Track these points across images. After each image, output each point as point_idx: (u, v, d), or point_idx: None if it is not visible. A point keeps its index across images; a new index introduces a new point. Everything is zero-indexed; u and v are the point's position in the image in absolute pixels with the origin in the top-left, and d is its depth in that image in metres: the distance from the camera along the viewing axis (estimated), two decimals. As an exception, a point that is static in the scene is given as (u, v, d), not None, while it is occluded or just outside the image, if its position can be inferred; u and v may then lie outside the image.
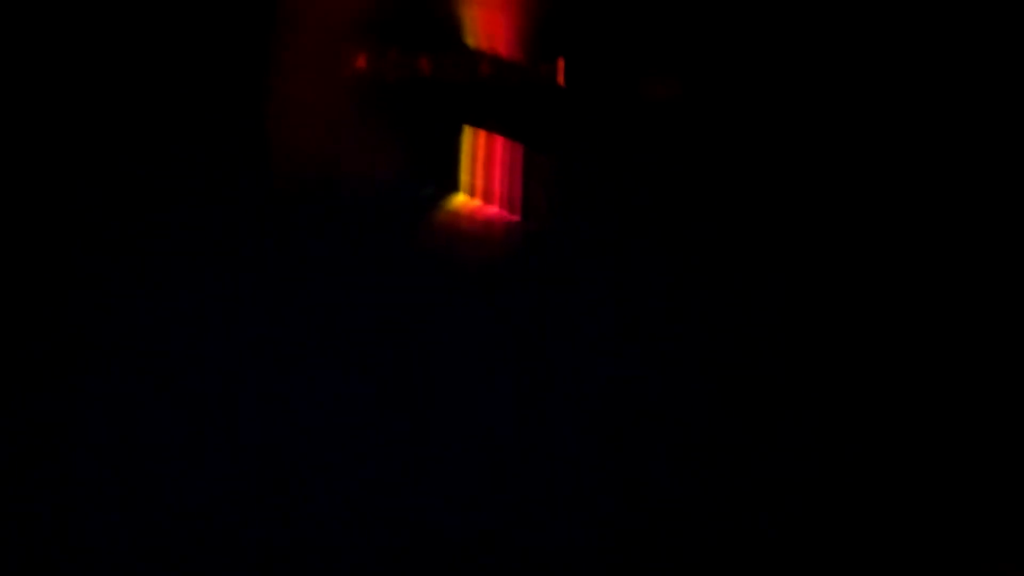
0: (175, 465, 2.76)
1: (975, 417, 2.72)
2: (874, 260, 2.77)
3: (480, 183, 2.89)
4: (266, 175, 2.86)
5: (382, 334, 2.85)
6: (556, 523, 2.75)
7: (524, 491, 2.78)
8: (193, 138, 2.86)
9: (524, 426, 2.82)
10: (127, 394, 2.80)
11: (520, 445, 2.80)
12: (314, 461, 2.79)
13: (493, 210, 2.88)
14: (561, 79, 2.84)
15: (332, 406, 2.83)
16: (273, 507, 2.74)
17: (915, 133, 2.73)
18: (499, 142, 2.87)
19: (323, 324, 2.85)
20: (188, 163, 2.87)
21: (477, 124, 2.87)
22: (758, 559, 2.70)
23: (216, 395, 2.82)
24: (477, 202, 2.89)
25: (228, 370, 2.83)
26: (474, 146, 2.88)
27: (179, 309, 2.84)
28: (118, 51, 2.84)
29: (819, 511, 2.72)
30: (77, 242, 2.84)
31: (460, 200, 2.90)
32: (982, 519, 2.67)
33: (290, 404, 2.82)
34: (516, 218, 2.87)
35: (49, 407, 2.78)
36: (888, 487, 2.72)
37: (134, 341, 2.84)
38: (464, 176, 2.89)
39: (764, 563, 2.70)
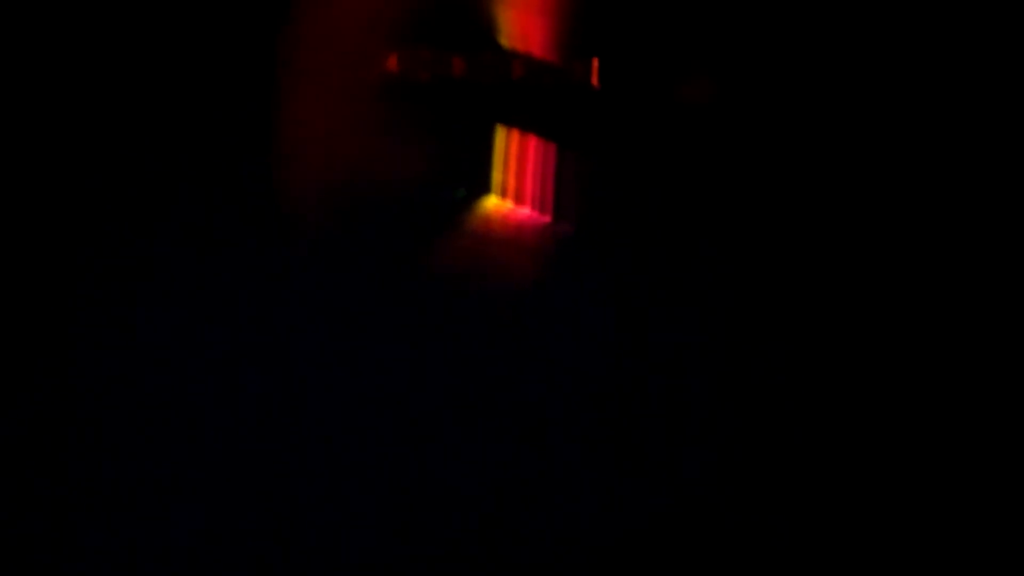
0: (173, 464, 2.74)
1: (976, 419, 2.77)
2: (902, 272, 2.81)
3: (513, 184, 2.86)
4: (294, 176, 2.80)
5: (407, 335, 2.82)
6: (559, 526, 2.76)
7: (533, 502, 2.79)
8: (217, 139, 2.79)
9: (545, 428, 2.81)
10: (127, 395, 2.77)
11: (534, 451, 2.80)
12: (320, 458, 2.76)
13: (525, 212, 2.86)
14: (595, 79, 2.82)
15: (351, 407, 2.80)
16: (270, 508, 2.73)
17: (963, 148, 2.76)
18: (532, 143, 2.84)
19: (347, 324, 2.82)
20: (211, 165, 2.80)
21: (510, 125, 2.84)
22: (758, 561, 2.74)
23: (231, 404, 2.79)
24: (509, 203, 2.86)
25: (245, 377, 2.80)
26: (507, 147, 2.85)
27: (199, 309, 2.79)
28: (153, 49, 2.76)
29: (821, 514, 2.76)
30: (90, 243, 2.77)
31: (492, 201, 2.86)
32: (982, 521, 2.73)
33: (305, 405, 2.79)
34: (548, 220, 2.85)
35: (47, 404, 2.74)
36: (890, 490, 2.77)
37: (143, 349, 2.79)
38: (496, 177, 2.86)
39: (764, 564, 2.74)
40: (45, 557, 2.66)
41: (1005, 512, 2.70)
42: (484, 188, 2.87)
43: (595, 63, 2.82)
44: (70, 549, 2.67)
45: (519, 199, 2.86)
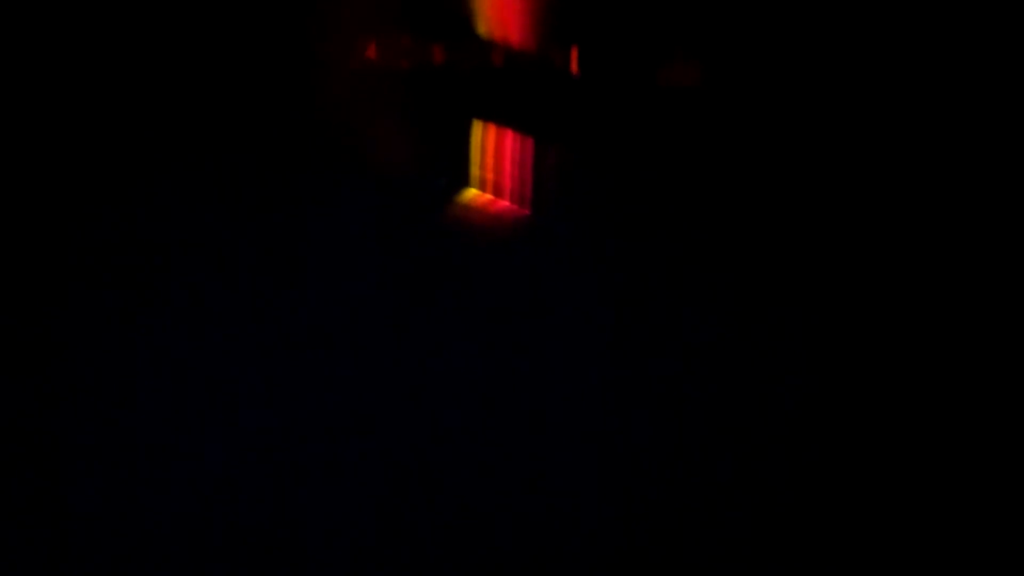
0: (174, 462, 2.72)
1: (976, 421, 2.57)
2: (893, 266, 2.64)
3: (490, 177, 2.79)
4: (273, 167, 2.80)
5: (387, 328, 2.78)
6: (552, 519, 2.66)
7: (525, 489, 2.70)
8: (201, 131, 2.81)
9: (525, 421, 2.73)
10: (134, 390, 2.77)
11: (519, 441, 2.72)
12: (310, 453, 2.73)
13: (503, 204, 2.78)
14: (575, 68, 2.74)
15: (333, 398, 2.76)
16: (271, 504, 2.70)
17: (949, 132, 2.60)
18: (509, 135, 2.77)
19: (328, 317, 2.79)
20: (195, 158, 2.82)
21: (488, 115, 2.78)
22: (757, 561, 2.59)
23: (219, 387, 2.77)
24: (487, 196, 2.80)
25: (232, 363, 2.78)
26: (484, 139, 2.79)
27: (185, 304, 2.80)
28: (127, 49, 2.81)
29: (820, 513, 2.59)
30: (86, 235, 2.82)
31: (470, 194, 2.80)
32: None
33: (289, 397, 2.76)
34: (526, 212, 2.77)
35: (49, 405, 2.75)
36: (891, 492, 2.59)
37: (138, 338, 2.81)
38: (474, 170, 2.80)
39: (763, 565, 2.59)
40: (48, 555, 2.70)
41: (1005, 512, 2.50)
42: (463, 180, 2.81)
43: (575, 51, 2.74)
44: (73, 548, 2.71)
45: (497, 191, 2.79)
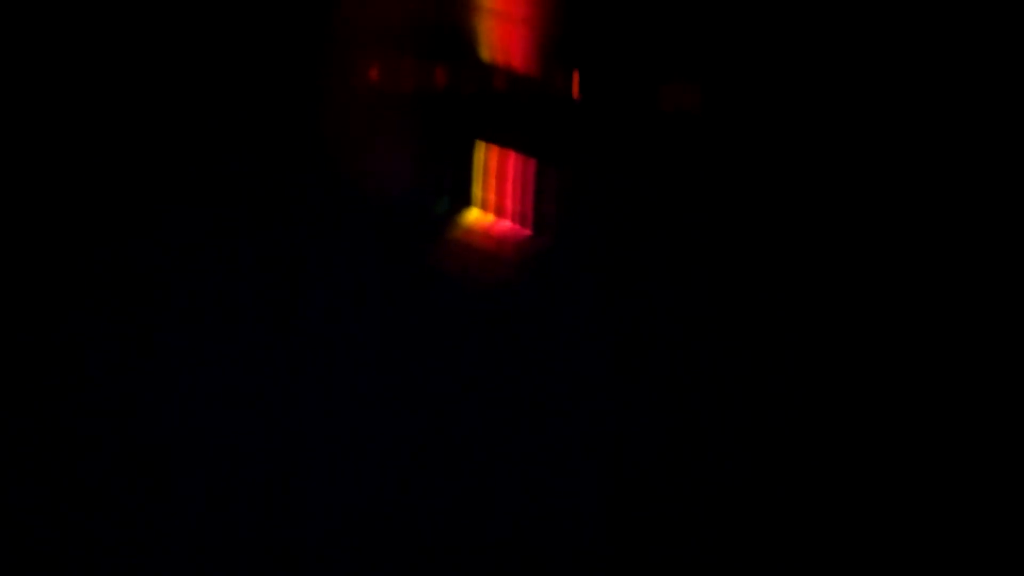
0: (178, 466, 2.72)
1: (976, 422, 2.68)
2: (897, 282, 2.75)
3: (493, 198, 2.83)
4: (274, 187, 2.79)
5: (388, 347, 2.79)
6: (553, 530, 2.71)
7: (526, 502, 2.74)
8: (203, 151, 2.79)
9: (527, 441, 2.77)
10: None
11: (522, 462, 2.75)
12: (312, 468, 2.75)
13: (506, 225, 2.82)
14: (576, 92, 2.80)
15: (337, 414, 2.77)
16: (272, 514, 2.71)
17: (944, 155, 2.72)
18: (512, 156, 2.82)
19: (329, 335, 2.79)
20: (196, 177, 2.80)
21: (490, 138, 2.82)
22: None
23: (217, 407, 2.76)
24: (490, 217, 2.83)
25: (231, 381, 2.77)
26: (487, 160, 2.83)
27: (184, 320, 2.77)
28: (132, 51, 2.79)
29: (820, 514, 2.67)
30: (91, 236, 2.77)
31: (473, 215, 2.84)
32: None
33: (293, 415, 2.77)
34: (528, 232, 2.81)
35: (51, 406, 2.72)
36: (893, 493, 2.68)
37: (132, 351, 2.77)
38: (477, 191, 2.83)
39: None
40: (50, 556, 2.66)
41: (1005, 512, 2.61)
42: (465, 201, 2.84)
43: (576, 75, 2.80)
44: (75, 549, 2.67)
45: (500, 212, 2.83)
